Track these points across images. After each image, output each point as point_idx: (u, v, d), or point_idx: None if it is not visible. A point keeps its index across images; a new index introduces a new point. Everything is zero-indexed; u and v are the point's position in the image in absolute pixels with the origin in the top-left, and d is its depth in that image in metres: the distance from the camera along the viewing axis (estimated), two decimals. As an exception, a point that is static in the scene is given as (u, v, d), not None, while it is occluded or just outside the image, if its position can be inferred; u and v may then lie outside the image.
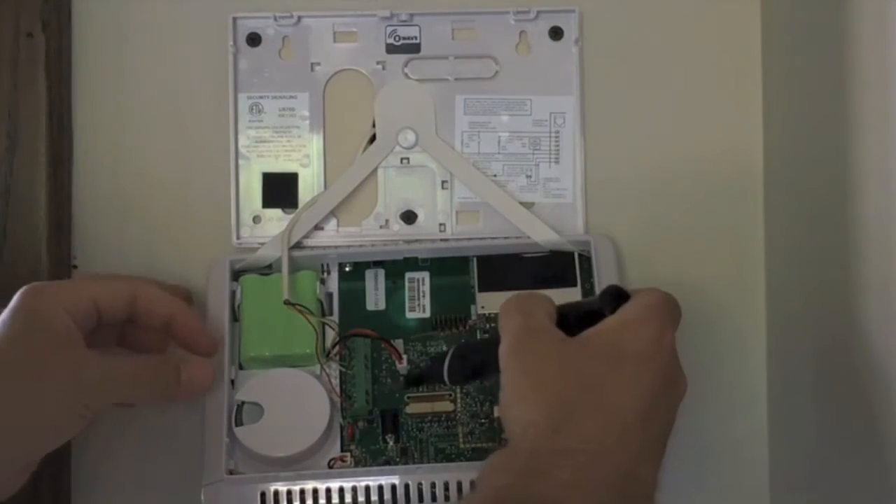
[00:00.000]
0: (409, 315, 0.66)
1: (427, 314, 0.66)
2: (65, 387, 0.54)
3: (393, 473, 0.61)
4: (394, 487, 0.60)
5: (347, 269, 0.67)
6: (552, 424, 0.50)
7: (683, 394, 0.54)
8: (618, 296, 0.56)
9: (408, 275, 0.67)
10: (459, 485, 0.60)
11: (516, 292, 0.57)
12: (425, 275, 0.67)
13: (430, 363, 0.63)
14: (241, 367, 0.64)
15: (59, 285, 0.58)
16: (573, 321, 0.55)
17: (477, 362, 0.58)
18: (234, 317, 0.65)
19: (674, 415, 0.53)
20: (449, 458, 0.63)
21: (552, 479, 0.49)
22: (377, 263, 0.67)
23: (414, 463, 0.63)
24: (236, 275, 0.66)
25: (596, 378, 0.52)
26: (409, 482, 0.60)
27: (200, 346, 0.62)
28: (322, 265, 0.67)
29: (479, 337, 0.65)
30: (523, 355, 0.53)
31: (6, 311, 0.56)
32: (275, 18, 0.68)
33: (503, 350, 0.54)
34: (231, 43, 0.68)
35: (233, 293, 0.65)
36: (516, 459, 0.50)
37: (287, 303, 0.64)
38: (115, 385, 0.57)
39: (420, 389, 0.64)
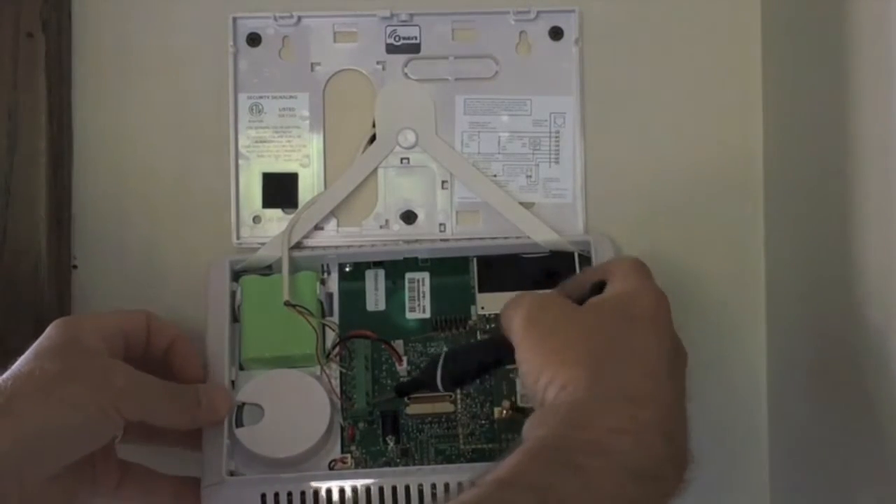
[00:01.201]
0: (410, 316, 0.66)
1: (427, 315, 0.66)
2: (96, 388, 0.55)
3: (393, 475, 0.61)
4: (394, 489, 0.60)
5: (347, 269, 0.67)
6: (589, 375, 0.51)
7: (686, 360, 0.55)
8: (599, 285, 0.57)
9: (408, 275, 0.67)
10: (460, 486, 0.60)
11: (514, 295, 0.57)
12: (425, 275, 0.66)
13: (420, 371, 0.63)
14: (241, 369, 0.64)
15: (85, 314, 0.60)
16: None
17: (469, 365, 0.58)
18: (235, 317, 0.65)
19: (684, 380, 0.54)
20: (449, 460, 0.63)
21: (597, 427, 0.49)
22: (377, 264, 0.67)
23: (414, 464, 0.63)
24: (236, 275, 0.66)
25: (617, 335, 0.53)
26: (410, 483, 0.60)
27: (191, 371, 0.63)
28: (322, 265, 0.67)
29: (479, 338, 0.65)
30: (543, 322, 0.54)
31: (37, 342, 0.57)
32: (275, 18, 0.68)
33: (518, 326, 0.54)
34: (231, 43, 0.68)
35: (233, 294, 0.65)
36: (556, 413, 0.50)
37: (287, 303, 0.64)
38: (142, 392, 0.57)
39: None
